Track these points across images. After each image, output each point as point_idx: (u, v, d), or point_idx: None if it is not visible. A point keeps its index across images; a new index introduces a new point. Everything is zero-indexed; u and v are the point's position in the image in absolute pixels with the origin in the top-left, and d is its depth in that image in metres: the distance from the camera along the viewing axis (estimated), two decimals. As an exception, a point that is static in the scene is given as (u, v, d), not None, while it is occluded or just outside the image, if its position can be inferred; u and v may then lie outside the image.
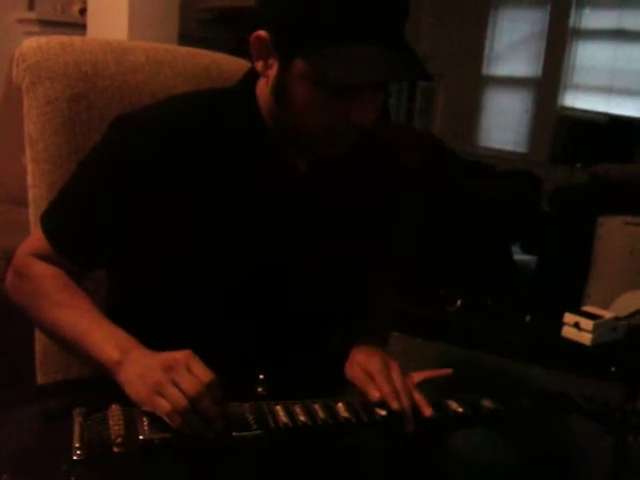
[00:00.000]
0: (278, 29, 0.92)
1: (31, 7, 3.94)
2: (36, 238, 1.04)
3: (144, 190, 0.97)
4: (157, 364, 0.86)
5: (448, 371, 1.06)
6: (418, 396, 0.97)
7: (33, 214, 1.13)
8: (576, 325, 1.70)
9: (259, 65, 0.96)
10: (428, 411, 0.95)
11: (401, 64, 0.91)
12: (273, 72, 0.94)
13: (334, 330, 1.17)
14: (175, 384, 0.83)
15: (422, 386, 1.02)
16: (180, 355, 0.86)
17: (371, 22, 0.88)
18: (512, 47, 5.89)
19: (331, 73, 0.88)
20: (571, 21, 5.47)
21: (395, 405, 0.93)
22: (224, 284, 0.99)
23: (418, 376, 1.04)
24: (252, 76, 1.01)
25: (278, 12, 0.92)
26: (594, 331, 1.68)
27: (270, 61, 0.94)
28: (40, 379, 1.17)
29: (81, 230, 1.00)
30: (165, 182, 0.97)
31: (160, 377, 0.84)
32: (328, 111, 0.92)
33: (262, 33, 0.93)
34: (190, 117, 1.00)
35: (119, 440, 0.81)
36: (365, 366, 1.01)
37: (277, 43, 0.93)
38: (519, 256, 3.85)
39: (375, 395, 0.95)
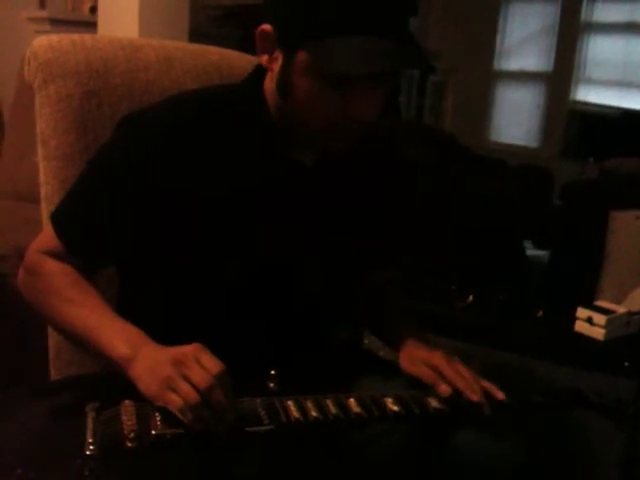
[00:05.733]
0: (282, 22, 0.93)
1: (42, 5, 3.95)
2: (47, 236, 1.04)
3: (151, 188, 0.97)
4: (167, 359, 0.86)
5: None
6: (487, 384, 1.02)
7: (45, 211, 1.14)
8: (589, 320, 1.69)
9: (264, 59, 0.96)
10: (500, 395, 1.01)
11: (401, 55, 0.90)
12: (277, 65, 0.95)
13: (341, 326, 1.17)
14: (186, 378, 0.84)
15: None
16: (189, 349, 0.86)
17: (373, 14, 0.88)
18: (523, 41, 5.86)
19: (330, 64, 0.88)
20: (582, 14, 5.43)
21: (475, 397, 0.98)
22: (230, 281, 0.99)
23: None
24: (260, 72, 1.01)
25: (282, 5, 0.93)
26: (607, 326, 1.67)
27: (275, 54, 0.95)
28: (53, 374, 1.17)
29: (90, 228, 1.01)
30: (172, 180, 0.97)
31: (170, 372, 0.84)
32: (329, 104, 0.92)
33: (267, 27, 0.94)
34: (198, 114, 1.00)
35: (132, 435, 0.81)
36: (429, 362, 1.04)
37: (281, 36, 0.93)
38: (531, 251, 3.83)
39: (447, 390, 0.99)
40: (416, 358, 1.06)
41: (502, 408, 1.01)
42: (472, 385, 1.00)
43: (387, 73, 0.94)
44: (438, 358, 1.03)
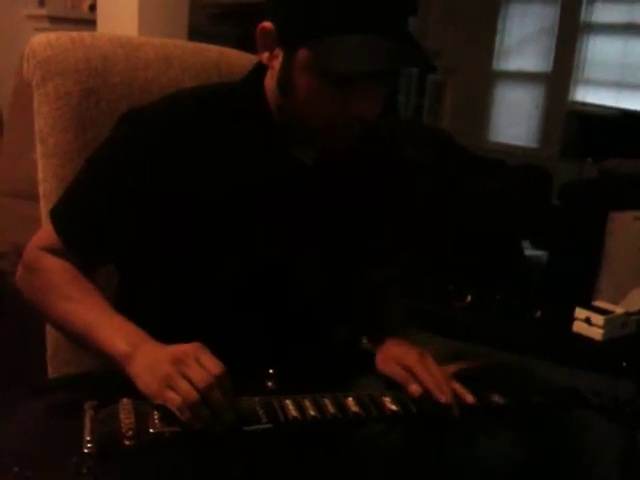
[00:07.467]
0: (283, 20, 0.93)
1: (41, 3, 3.95)
2: (46, 232, 1.04)
3: (150, 185, 0.97)
4: (166, 357, 0.86)
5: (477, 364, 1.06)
6: (458, 385, 1.00)
7: (44, 209, 1.14)
8: (587, 320, 1.70)
9: (264, 57, 0.97)
10: (470, 398, 0.99)
11: (401, 54, 0.90)
12: (278, 63, 0.95)
13: (340, 325, 1.17)
14: (185, 377, 0.83)
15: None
16: (189, 347, 0.86)
17: (374, 13, 0.88)
18: (522, 42, 5.86)
19: (330, 62, 0.88)
20: (582, 15, 5.43)
21: (443, 398, 0.96)
22: (229, 279, 0.99)
23: (451, 367, 1.06)
24: (260, 70, 1.01)
25: (283, 3, 0.93)
26: (605, 326, 1.67)
27: (275, 52, 0.95)
28: (51, 373, 1.17)
29: (89, 225, 1.01)
30: (171, 177, 0.97)
31: (170, 370, 0.84)
32: (330, 102, 0.92)
33: (267, 24, 0.94)
34: (197, 112, 1.00)
35: (130, 433, 0.81)
36: (402, 361, 1.03)
37: (282, 34, 0.93)
38: (530, 251, 3.82)
39: (417, 390, 0.98)
40: (390, 357, 1.05)
41: (500, 408, 1.00)
42: (442, 386, 0.98)
43: (387, 72, 0.94)
44: (411, 357, 1.02)
